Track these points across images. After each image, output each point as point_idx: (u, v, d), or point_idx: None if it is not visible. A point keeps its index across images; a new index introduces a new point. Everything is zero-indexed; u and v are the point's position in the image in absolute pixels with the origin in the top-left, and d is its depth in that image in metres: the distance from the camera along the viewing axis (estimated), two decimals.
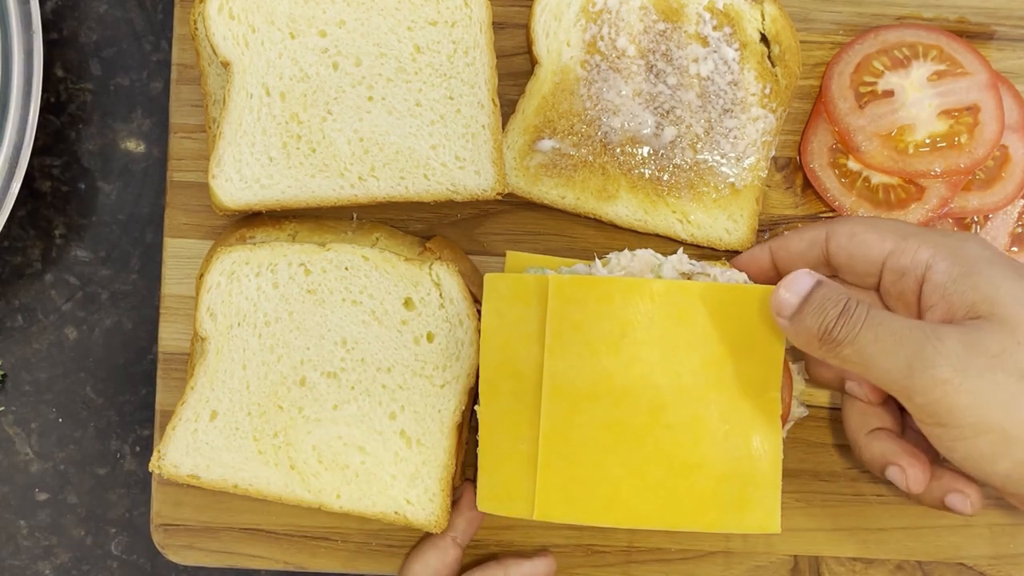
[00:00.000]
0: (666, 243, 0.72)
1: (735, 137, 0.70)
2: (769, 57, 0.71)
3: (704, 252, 0.71)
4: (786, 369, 0.66)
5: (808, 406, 0.72)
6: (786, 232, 0.67)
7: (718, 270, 0.65)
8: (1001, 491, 0.59)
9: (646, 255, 0.65)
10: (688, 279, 0.63)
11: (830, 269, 0.65)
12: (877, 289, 0.64)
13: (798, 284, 0.59)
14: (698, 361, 0.61)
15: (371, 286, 0.68)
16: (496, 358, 0.64)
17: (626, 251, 0.65)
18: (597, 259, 0.65)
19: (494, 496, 0.64)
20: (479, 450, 0.65)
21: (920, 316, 0.61)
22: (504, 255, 0.71)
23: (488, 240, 0.73)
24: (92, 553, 0.78)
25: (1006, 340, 0.55)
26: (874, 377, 0.57)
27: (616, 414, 0.61)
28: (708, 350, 0.61)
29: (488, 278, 0.65)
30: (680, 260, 0.64)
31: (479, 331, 0.67)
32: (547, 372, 0.61)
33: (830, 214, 0.73)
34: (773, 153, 0.71)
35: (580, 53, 0.70)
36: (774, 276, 0.67)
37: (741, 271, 0.66)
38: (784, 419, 0.65)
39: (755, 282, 0.66)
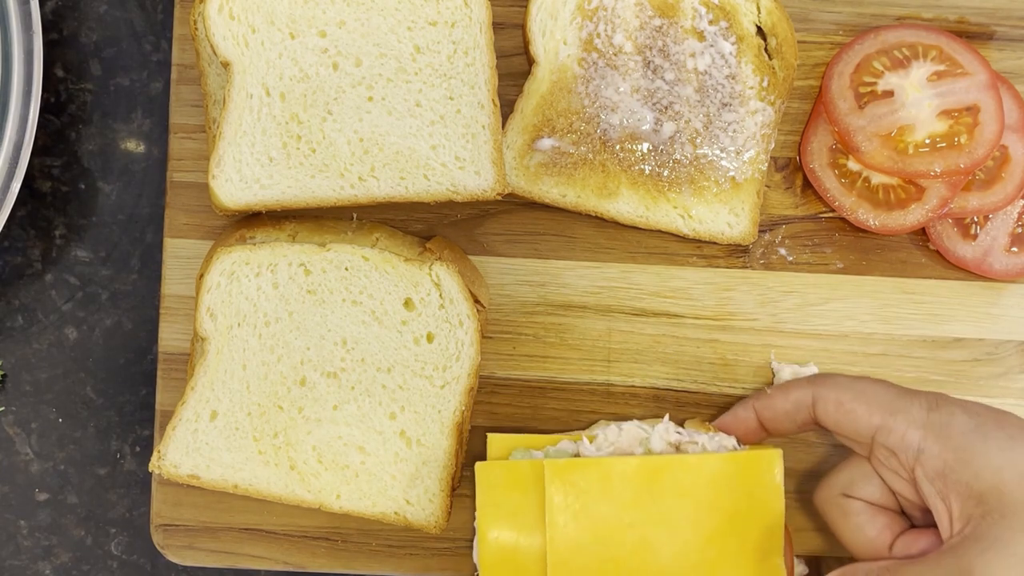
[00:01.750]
0: (667, 242, 0.72)
1: (734, 131, 0.70)
2: (766, 50, 0.71)
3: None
4: (786, 530, 0.66)
5: None
6: (769, 391, 0.67)
7: (705, 437, 0.65)
8: None
9: (632, 429, 0.66)
10: (676, 448, 0.65)
11: (820, 427, 0.66)
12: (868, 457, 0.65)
13: None
14: (701, 533, 0.62)
15: (371, 286, 0.68)
16: (496, 550, 0.64)
17: (612, 426, 0.66)
18: (585, 438, 0.66)
19: None
20: None
21: (917, 491, 0.61)
22: (504, 256, 0.71)
23: (488, 240, 0.73)
24: (92, 553, 0.78)
25: None
26: None
27: None
28: (710, 521, 0.62)
29: (480, 468, 0.65)
30: (667, 430, 0.65)
31: (480, 331, 0.67)
32: (551, 562, 0.62)
33: (830, 214, 0.73)
34: (772, 146, 0.71)
35: (577, 51, 0.70)
36: (761, 435, 0.68)
37: (729, 434, 0.67)
38: None
39: (743, 442, 0.67)
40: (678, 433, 0.65)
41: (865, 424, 0.62)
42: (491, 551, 0.64)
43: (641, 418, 0.71)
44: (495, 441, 0.68)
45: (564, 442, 0.66)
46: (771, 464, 0.64)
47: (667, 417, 0.67)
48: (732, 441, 0.65)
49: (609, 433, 0.66)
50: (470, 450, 0.71)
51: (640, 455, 0.64)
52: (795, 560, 0.69)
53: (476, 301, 0.68)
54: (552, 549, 0.62)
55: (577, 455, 0.66)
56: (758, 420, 0.67)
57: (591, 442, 0.66)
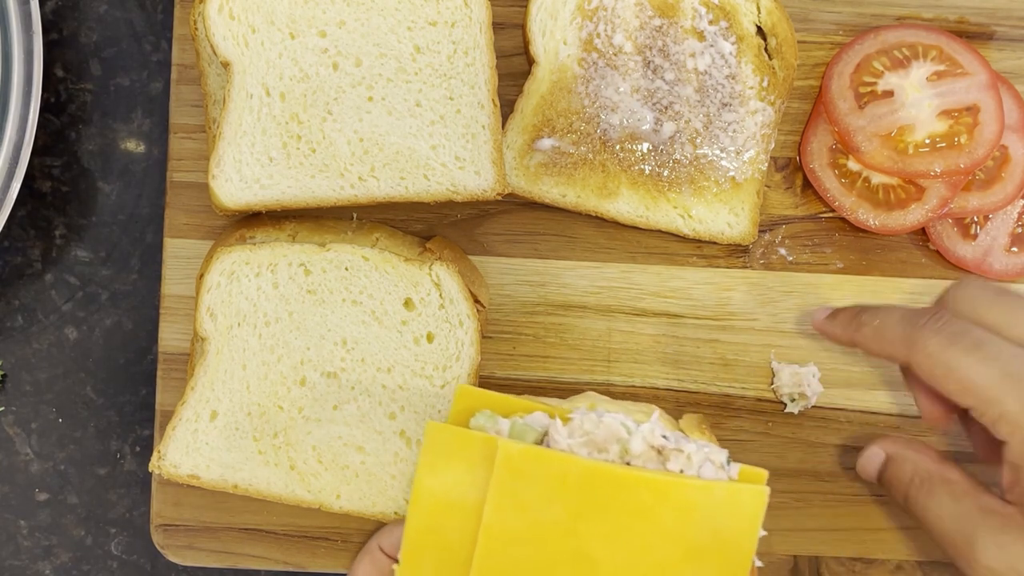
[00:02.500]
0: (667, 242, 0.72)
1: (734, 131, 0.70)
2: (766, 50, 0.71)
3: (707, 249, 0.71)
4: (752, 568, 0.59)
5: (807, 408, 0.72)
6: (867, 322, 0.65)
7: (694, 446, 0.57)
8: None
9: (614, 423, 0.57)
10: (659, 452, 0.57)
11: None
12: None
13: (870, 465, 0.68)
14: (652, 562, 0.55)
15: (371, 286, 0.68)
16: (424, 523, 0.57)
17: (592, 413, 0.59)
18: (558, 419, 0.58)
19: None
20: None
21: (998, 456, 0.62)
22: (504, 256, 0.71)
23: (488, 240, 0.73)
24: (92, 553, 0.78)
25: None
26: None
27: None
28: (665, 550, 0.55)
29: (430, 427, 0.57)
30: (652, 432, 0.57)
31: (480, 331, 0.67)
32: (479, 554, 0.55)
33: (830, 214, 0.73)
34: (772, 146, 0.71)
35: (577, 51, 0.70)
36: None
37: (822, 332, 0.65)
38: None
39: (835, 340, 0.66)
40: (664, 437, 0.58)
41: (958, 399, 0.60)
42: (420, 524, 0.57)
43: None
44: (463, 395, 0.60)
45: (537, 414, 0.59)
46: (752, 504, 0.56)
47: (656, 415, 0.60)
48: (723, 456, 0.58)
49: (586, 420, 0.58)
50: None
51: (615, 453, 0.58)
52: None
53: (476, 301, 0.68)
54: (485, 537, 0.55)
55: (545, 435, 0.58)
56: (851, 340, 0.66)
57: (564, 424, 0.58)
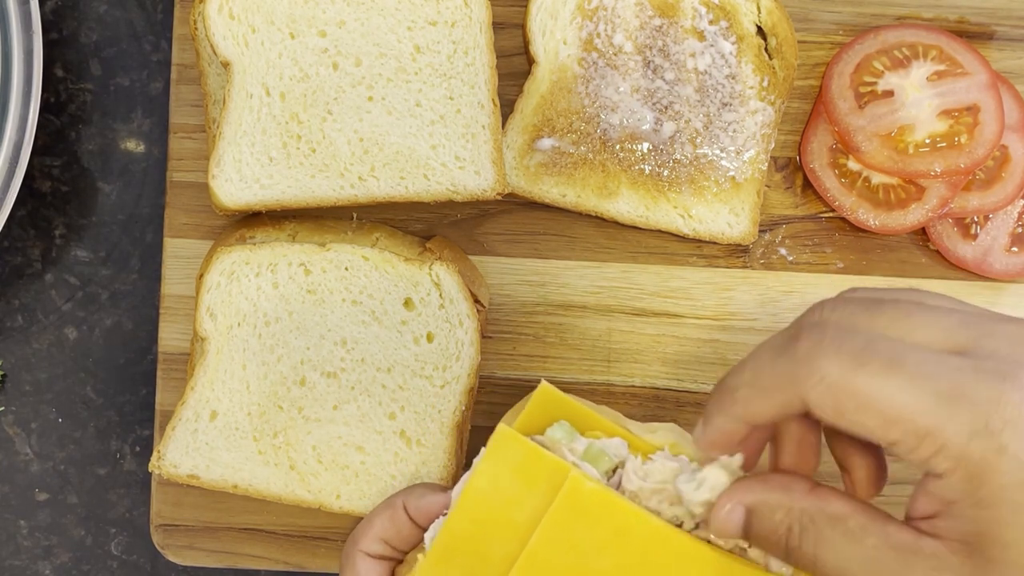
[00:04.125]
0: (667, 242, 0.72)
1: (734, 131, 0.70)
2: (766, 50, 0.71)
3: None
4: None
5: None
6: (734, 388, 0.49)
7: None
8: None
9: (700, 486, 0.51)
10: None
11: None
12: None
13: (729, 525, 0.50)
14: None
15: (371, 286, 0.68)
16: (466, 526, 0.54)
17: (677, 465, 0.53)
18: (638, 457, 0.53)
19: None
20: None
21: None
22: (504, 256, 0.71)
23: (488, 240, 0.73)
24: (92, 553, 0.78)
25: None
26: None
27: None
28: None
29: (501, 433, 0.54)
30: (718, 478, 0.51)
31: (480, 331, 0.67)
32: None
33: (830, 214, 0.73)
34: (772, 145, 0.71)
35: (577, 51, 0.70)
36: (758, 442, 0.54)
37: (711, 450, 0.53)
38: None
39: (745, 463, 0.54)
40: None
41: (879, 437, 0.45)
42: (461, 528, 0.54)
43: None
44: (544, 396, 0.56)
45: (617, 441, 0.55)
46: None
47: (739, 456, 0.52)
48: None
49: (653, 470, 0.53)
50: (469, 450, 0.71)
51: (692, 513, 0.52)
52: None
53: (476, 301, 0.68)
54: (526, 562, 0.53)
55: (619, 465, 0.54)
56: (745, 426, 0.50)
57: (644, 463, 0.53)
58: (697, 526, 0.53)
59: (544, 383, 0.56)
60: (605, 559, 0.51)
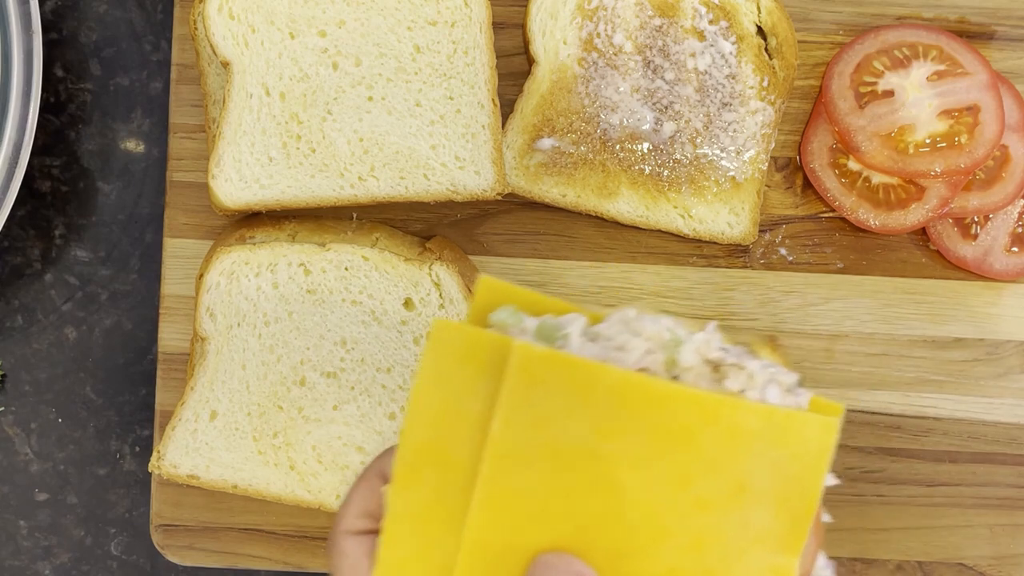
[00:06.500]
0: (667, 242, 0.72)
1: (734, 130, 0.70)
2: (766, 50, 0.71)
3: (711, 252, 0.71)
4: (816, 518, 0.47)
5: None
6: None
7: (758, 364, 0.46)
8: None
9: (659, 328, 0.46)
10: (714, 369, 0.46)
11: None
12: None
13: None
14: (698, 495, 0.45)
15: (371, 286, 0.68)
16: (422, 437, 0.47)
17: (634, 311, 0.48)
18: (583, 317, 0.47)
19: None
20: (379, 548, 0.48)
21: None
22: (504, 256, 0.71)
23: (488, 240, 0.73)
24: (92, 553, 0.78)
25: None
26: None
27: (571, 551, 0.45)
28: (715, 484, 0.45)
29: (436, 325, 0.47)
30: (708, 344, 0.46)
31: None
32: (485, 474, 0.45)
33: (830, 214, 0.73)
34: (772, 145, 0.71)
35: (577, 51, 0.70)
36: None
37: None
38: None
39: None
40: (722, 349, 0.46)
41: None
42: (418, 436, 0.47)
43: None
44: (485, 287, 0.49)
45: (572, 314, 0.48)
46: (821, 439, 0.45)
47: (714, 324, 0.47)
48: (793, 379, 0.46)
49: (628, 318, 0.47)
50: None
51: (659, 364, 0.46)
52: (820, 555, 0.50)
53: None
54: (492, 455, 0.45)
55: (567, 335, 0.47)
56: None
57: (592, 324, 0.47)
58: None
59: (484, 275, 0.50)
60: (578, 423, 0.45)
